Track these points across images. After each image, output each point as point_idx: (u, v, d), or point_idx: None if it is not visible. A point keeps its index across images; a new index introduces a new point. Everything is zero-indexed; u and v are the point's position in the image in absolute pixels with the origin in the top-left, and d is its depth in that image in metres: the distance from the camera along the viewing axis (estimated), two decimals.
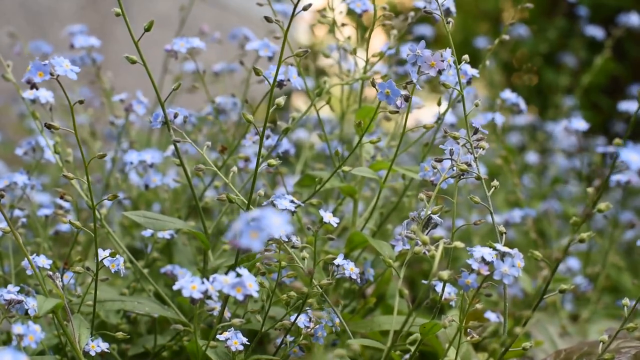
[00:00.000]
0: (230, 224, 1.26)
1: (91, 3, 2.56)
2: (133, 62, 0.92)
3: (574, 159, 2.17)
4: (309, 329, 0.92)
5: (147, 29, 0.89)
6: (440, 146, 0.95)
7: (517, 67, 3.44)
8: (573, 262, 1.58)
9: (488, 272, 0.81)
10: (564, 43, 2.76)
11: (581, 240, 0.81)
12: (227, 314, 0.97)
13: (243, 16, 3.03)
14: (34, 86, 0.86)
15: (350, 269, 0.94)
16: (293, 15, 0.89)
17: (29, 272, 0.94)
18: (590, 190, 0.79)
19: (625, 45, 2.93)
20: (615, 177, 1.29)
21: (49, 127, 0.89)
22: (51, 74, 0.85)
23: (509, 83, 3.32)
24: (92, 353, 0.91)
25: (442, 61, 0.91)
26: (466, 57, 0.96)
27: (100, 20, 2.44)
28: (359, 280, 0.97)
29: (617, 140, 0.78)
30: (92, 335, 0.92)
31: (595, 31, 2.25)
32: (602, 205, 0.79)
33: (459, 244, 0.84)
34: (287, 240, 0.90)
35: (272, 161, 0.97)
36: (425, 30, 1.95)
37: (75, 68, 0.87)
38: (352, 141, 1.29)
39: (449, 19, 0.95)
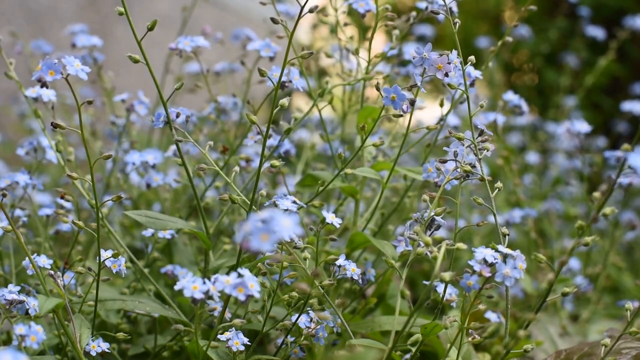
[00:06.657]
0: (231, 224, 1.26)
1: (91, 3, 2.55)
2: (136, 61, 0.91)
3: (575, 159, 2.17)
4: (310, 330, 0.91)
5: (150, 29, 0.89)
6: (445, 148, 0.94)
7: (517, 67, 3.44)
8: (573, 263, 1.58)
9: (490, 274, 0.81)
10: (565, 43, 2.76)
11: (585, 244, 0.81)
12: (227, 314, 0.97)
13: (243, 16, 3.02)
14: (44, 84, 0.85)
15: (352, 270, 0.93)
16: (300, 17, 0.89)
17: (29, 272, 0.94)
18: (596, 194, 0.78)
19: (626, 46, 2.93)
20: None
21: (55, 126, 0.89)
22: (62, 74, 0.85)
23: (509, 83, 3.32)
24: (93, 353, 0.91)
25: (449, 63, 0.91)
26: (472, 58, 0.96)
27: (100, 20, 2.44)
28: (360, 280, 0.97)
29: (625, 146, 0.78)
30: (92, 335, 0.92)
31: (596, 31, 2.25)
32: (607, 209, 0.79)
33: (461, 245, 0.84)
34: (289, 240, 0.90)
35: (275, 162, 0.96)
36: (426, 30, 1.95)
37: (86, 68, 0.87)
38: (353, 141, 1.29)
39: (456, 20, 0.95)
